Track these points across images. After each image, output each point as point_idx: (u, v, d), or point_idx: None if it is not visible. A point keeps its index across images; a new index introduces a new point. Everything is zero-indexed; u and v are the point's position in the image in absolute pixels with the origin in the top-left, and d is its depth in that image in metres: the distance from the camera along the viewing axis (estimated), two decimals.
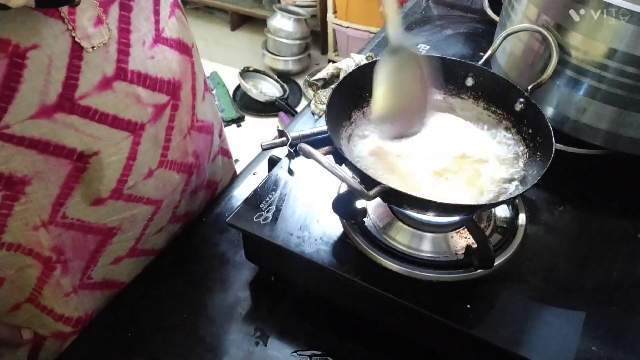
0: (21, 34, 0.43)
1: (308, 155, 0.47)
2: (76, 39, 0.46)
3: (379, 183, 0.46)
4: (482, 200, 0.52)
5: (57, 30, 0.45)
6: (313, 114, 0.83)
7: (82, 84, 0.48)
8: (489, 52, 0.65)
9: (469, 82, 0.61)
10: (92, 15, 0.47)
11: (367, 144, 0.57)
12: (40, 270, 0.53)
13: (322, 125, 0.53)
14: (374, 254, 0.53)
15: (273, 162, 0.69)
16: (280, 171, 0.62)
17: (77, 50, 0.46)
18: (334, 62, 0.91)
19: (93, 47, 0.47)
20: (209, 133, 0.70)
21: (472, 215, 0.54)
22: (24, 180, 0.48)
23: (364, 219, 0.56)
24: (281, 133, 0.59)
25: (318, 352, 0.55)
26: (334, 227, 0.57)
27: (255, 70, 2.56)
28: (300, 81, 2.59)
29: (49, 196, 0.50)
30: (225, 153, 0.80)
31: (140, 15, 0.52)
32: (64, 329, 0.58)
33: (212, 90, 2.49)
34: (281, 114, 2.40)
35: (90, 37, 0.47)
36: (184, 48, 0.60)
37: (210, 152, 0.71)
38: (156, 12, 0.55)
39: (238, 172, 0.79)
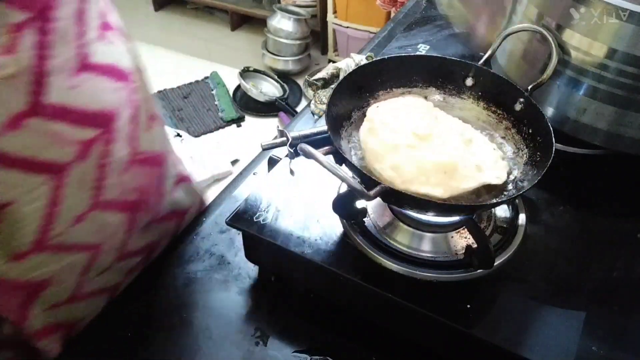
0: None
1: (308, 155, 0.47)
2: None
3: (379, 183, 0.46)
4: (484, 177, 0.52)
5: None
6: (313, 114, 0.83)
7: None
8: (489, 52, 0.64)
9: (469, 82, 0.61)
10: (0, 42, 0.41)
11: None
12: None
13: (322, 125, 0.53)
14: (374, 254, 0.53)
15: (273, 162, 0.69)
16: (280, 171, 0.62)
17: None
18: (334, 62, 0.91)
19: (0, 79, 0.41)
20: (158, 165, 0.62)
21: (472, 215, 0.54)
22: None
23: (364, 219, 0.56)
24: (281, 133, 0.59)
25: (318, 352, 0.55)
26: (334, 227, 0.56)
27: (255, 70, 2.56)
28: (300, 81, 2.59)
29: None
30: (185, 179, 0.71)
31: (61, 40, 0.45)
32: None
33: (212, 90, 2.49)
34: (281, 114, 2.40)
35: None
36: (119, 74, 0.53)
37: (162, 184, 0.63)
38: (80, 35, 0.47)
39: (238, 172, 0.79)
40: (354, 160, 0.55)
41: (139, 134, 0.56)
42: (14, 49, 0.41)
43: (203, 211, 0.71)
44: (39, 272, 0.51)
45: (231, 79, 2.50)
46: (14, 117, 0.43)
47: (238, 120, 2.38)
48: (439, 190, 0.50)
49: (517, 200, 0.58)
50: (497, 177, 0.53)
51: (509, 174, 0.54)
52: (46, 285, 0.52)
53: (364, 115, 0.60)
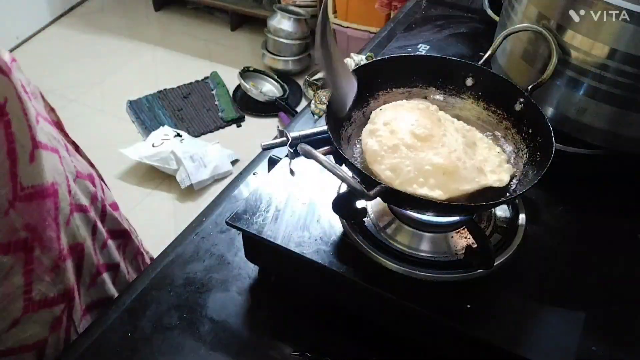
0: None
1: (308, 155, 0.47)
2: None
3: (379, 183, 0.46)
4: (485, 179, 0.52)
5: None
6: (313, 114, 0.83)
7: None
8: (489, 52, 0.64)
9: (469, 82, 0.61)
10: None
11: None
12: None
13: (322, 125, 0.53)
14: (374, 254, 0.53)
15: (273, 162, 0.69)
16: (280, 171, 0.62)
17: None
18: None
19: None
20: (48, 196, 0.56)
21: (472, 215, 0.54)
22: None
23: (364, 219, 0.56)
24: (281, 133, 0.59)
25: (318, 352, 0.55)
26: (334, 227, 0.57)
27: (255, 70, 2.55)
28: (300, 81, 2.59)
29: None
30: (81, 209, 0.65)
31: None
32: None
33: (212, 90, 2.49)
34: (281, 114, 2.40)
35: None
36: None
37: (57, 217, 0.58)
38: None
39: (238, 172, 0.79)
40: (354, 160, 0.55)
41: (18, 170, 0.52)
42: None
43: (203, 211, 0.71)
44: None
45: (231, 79, 2.50)
46: None
47: (238, 120, 2.38)
48: (437, 192, 0.50)
49: (517, 200, 0.58)
50: (498, 180, 0.53)
51: (512, 177, 0.54)
52: None
53: (364, 115, 0.60)
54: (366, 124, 0.58)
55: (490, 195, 0.52)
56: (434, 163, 0.51)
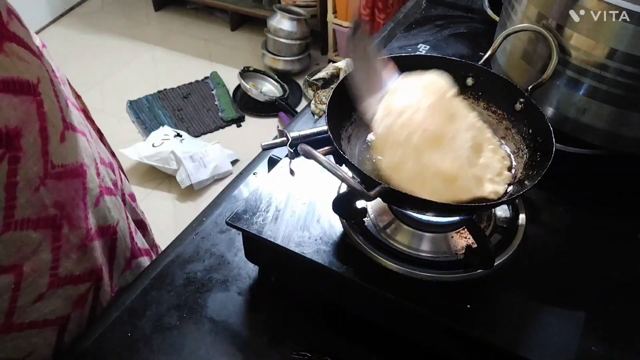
0: None
1: (308, 155, 0.47)
2: None
3: (379, 183, 0.46)
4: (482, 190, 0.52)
5: None
6: (313, 114, 0.83)
7: None
8: (489, 52, 0.64)
9: (469, 82, 0.61)
10: None
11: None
12: None
13: (322, 125, 0.53)
14: (374, 254, 0.53)
15: (273, 162, 0.69)
16: (280, 171, 0.62)
17: None
18: (334, 62, 0.91)
19: None
20: (77, 176, 0.58)
21: (472, 215, 0.54)
22: None
23: (364, 219, 0.56)
24: (281, 133, 0.59)
25: (318, 352, 0.55)
26: (334, 227, 0.57)
27: (255, 70, 2.55)
28: (300, 81, 2.59)
29: None
30: (111, 192, 0.67)
31: None
32: None
33: (212, 90, 2.49)
34: (281, 114, 2.40)
35: None
36: (20, 87, 0.50)
37: (85, 197, 0.60)
38: None
39: (238, 172, 0.79)
40: (354, 160, 0.55)
41: (50, 148, 0.53)
42: None
43: (203, 211, 0.71)
44: None
45: (231, 79, 2.50)
46: None
47: (238, 120, 2.38)
48: (433, 198, 0.49)
49: (517, 200, 0.59)
50: (494, 192, 0.52)
51: (509, 184, 0.54)
52: None
53: (364, 115, 0.60)
54: (365, 124, 0.58)
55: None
56: (436, 169, 0.50)
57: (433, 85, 0.55)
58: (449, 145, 0.52)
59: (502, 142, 0.58)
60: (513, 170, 0.56)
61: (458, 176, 0.51)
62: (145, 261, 0.73)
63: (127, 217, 0.71)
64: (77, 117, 0.61)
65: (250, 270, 0.63)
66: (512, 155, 0.57)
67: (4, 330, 0.54)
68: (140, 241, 0.74)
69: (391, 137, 0.52)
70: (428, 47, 0.94)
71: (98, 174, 0.63)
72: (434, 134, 0.52)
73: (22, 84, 0.50)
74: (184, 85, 2.51)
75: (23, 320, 0.55)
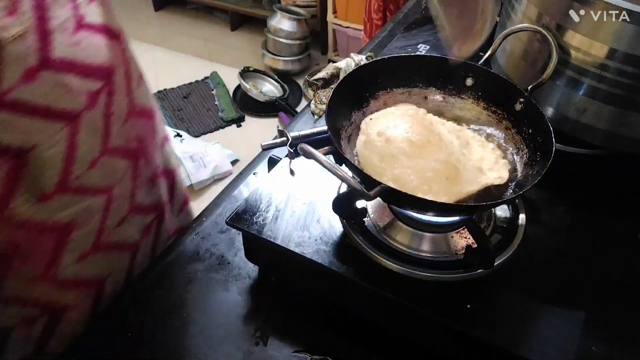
0: None
1: (308, 155, 0.47)
2: None
3: (379, 183, 0.46)
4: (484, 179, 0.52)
5: None
6: (313, 114, 0.83)
7: (6, 78, 0.46)
8: (488, 52, 0.64)
9: (469, 82, 0.61)
10: (3, 6, 0.45)
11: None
12: None
13: (322, 125, 0.53)
14: (374, 254, 0.53)
15: (273, 162, 0.69)
16: (280, 171, 0.62)
17: None
18: (334, 62, 0.91)
19: (12, 38, 0.46)
20: (150, 118, 0.68)
21: (472, 215, 0.54)
22: None
23: (364, 219, 0.56)
24: (281, 133, 0.59)
25: (318, 352, 0.55)
26: (334, 227, 0.57)
27: (255, 70, 2.56)
28: (300, 81, 2.59)
29: None
30: (168, 139, 0.78)
31: (56, 3, 0.50)
32: (31, 313, 0.58)
33: (212, 90, 2.49)
34: (281, 114, 2.40)
35: (7, 27, 0.45)
36: (111, 33, 0.58)
37: (155, 137, 0.69)
38: None
39: (238, 172, 0.79)
40: (354, 160, 0.55)
41: (132, 89, 0.62)
42: (16, 11, 0.46)
43: (203, 211, 0.71)
44: (63, 213, 0.55)
45: (231, 79, 2.50)
46: (28, 70, 0.48)
47: (238, 120, 2.38)
48: (443, 198, 0.50)
49: (517, 200, 0.59)
50: (499, 177, 0.53)
51: (511, 172, 0.54)
52: (72, 229, 0.56)
53: (364, 115, 0.60)
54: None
55: (490, 195, 0.53)
56: (435, 169, 0.51)
57: (404, 110, 0.59)
58: (438, 146, 0.53)
59: (486, 138, 0.59)
60: (509, 157, 0.56)
61: (459, 170, 0.51)
62: (191, 209, 0.81)
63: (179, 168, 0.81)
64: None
65: (250, 270, 0.63)
66: (501, 147, 0.57)
67: (94, 248, 0.60)
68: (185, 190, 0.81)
69: (383, 157, 0.53)
70: (428, 47, 0.94)
71: (161, 122, 0.73)
72: (421, 140, 0.53)
73: (112, 30, 0.58)
74: (184, 85, 2.51)
75: (109, 240, 0.62)
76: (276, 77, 2.56)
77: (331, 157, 0.51)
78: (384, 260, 0.53)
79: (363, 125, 0.57)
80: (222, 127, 2.34)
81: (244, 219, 0.56)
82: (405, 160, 0.52)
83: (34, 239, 0.54)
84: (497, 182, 0.52)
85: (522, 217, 0.57)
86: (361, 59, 0.87)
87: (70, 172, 0.54)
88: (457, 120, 0.61)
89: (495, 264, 0.51)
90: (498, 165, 0.54)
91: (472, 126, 0.61)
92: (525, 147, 0.56)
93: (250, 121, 2.39)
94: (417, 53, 0.92)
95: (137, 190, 0.65)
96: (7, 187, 0.50)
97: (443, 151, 0.53)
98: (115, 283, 0.64)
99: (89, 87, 0.54)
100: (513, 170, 0.55)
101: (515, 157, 0.57)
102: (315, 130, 0.56)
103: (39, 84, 0.49)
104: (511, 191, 0.53)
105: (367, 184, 0.47)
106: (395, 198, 0.49)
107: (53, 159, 0.52)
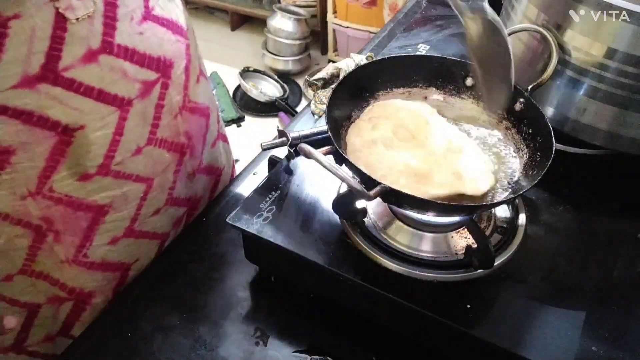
0: (3, 3, 0.43)
1: (308, 155, 0.47)
2: (60, 10, 0.46)
3: (379, 183, 0.46)
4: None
5: (40, 0, 0.45)
6: (313, 114, 0.83)
7: (66, 56, 0.47)
8: None
9: (469, 82, 0.61)
10: None
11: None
12: (31, 239, 0.53)
13: (322, 125, 0.53)
14: (374, 254, 0.53)
15: (273, 162, 0.69)
16: (280, 171, 0.62)
17: (60, 22, 0.46)
18: (334, 62, 0.91)
19: (77, 19, 0.47)
20: (203, 116, 0.69)
21: (472, 216, 0.54)
22: (9, 150, 0.48)
23: (364, 219, 0.56)
24: (281, 133, 0.59)
25: (318, 352, 0.55)
26: (334, 227, 0.57)
27: (255, 70, 2.56)
28: (300, 81, 2.59)
29: (34, 168, 0.50)
30: (225, 139, 0.82)
31: None
32: (59, 294, 0.58)
33: (212, 90, 2.49)
34: (281, 114, 2.40)
35: (75, 8, 0.47)
36: (177, 28, 0.60)
37: (205, 135, 0.71)
38: None
39: (238, 172, 0.79)
40: None
41: (189, 85, 0.63)
42: None
43: (203, 211, 0.71)
44: (101, 195, 0.56)
45: (231, 79, 2.50)
46: (90, 52, 0.49)
47: (238, 120, 2.38)
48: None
49: (517, 200, 0.59)
50: (475, 188, 0.51)
51: (492, 188, 0.53)
52: (108, 210, 0.57)
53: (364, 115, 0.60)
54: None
55: (465, 201, 0.52)
56: (407, 164, 0.51)
57: (413, 105, 0.59)
58: (422, 144, 0.54)
59: (484, 146, 0.58)
60: (501, 174, 0.55)
61: (431, 171, 0.52)
62: None
63: (233, 166, 0.86)
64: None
65: (250, 270, 0.63)
66: (500, 161, 0.57)
67: (126, 233, 0.61)
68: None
69: (361, 142, 0.53)
70: (428, 47, 0.94)
71: (218, 122, 0.76)
72: (406, 134, 0.54)
73: (178, 26, 0.60)
74: None
75: (141, 228, 0.62)
76: (276, 77, 2.56)
77: (331, 157, 0.51)
78: (384, 260, 0.53)
79: (364, 112, 0.58)
80: None
81: (244, 219, 0.56)
82: (383, 149, 0.53)
83: (69, 216, 0.55)
84: (470, 192, 0.51)
85: (522, 217, 0.57)
86: (361, 59, 0.87)
87: (113, 156, 0.55)
88: (457, 120, 0.61)
89: (495, 264, 0.51)
90: (483, 177, 0.53)
91: (472, 126, 0.61)
92: (525, 147, 0.56)
93: (250, 121, 2.39)
94: (417, 53, 0.92)
95: (176, 184, 0.65)
96: (51, 160, 0.51)
97: (423, 150, 0.53)
98: (138, 271, 0.65)
99: (145, 77, 0.55)
100: (508, 184, 0.55)
101: (515, 157, 0.57)
102: (315, 130, 0.56)
103: (96, 66, 0.50)
104: (511, 191, 0.53)
105: (367, 184, 0.47)
106: (395, 198, 0.49)
107: (99, 141, 0.53)
